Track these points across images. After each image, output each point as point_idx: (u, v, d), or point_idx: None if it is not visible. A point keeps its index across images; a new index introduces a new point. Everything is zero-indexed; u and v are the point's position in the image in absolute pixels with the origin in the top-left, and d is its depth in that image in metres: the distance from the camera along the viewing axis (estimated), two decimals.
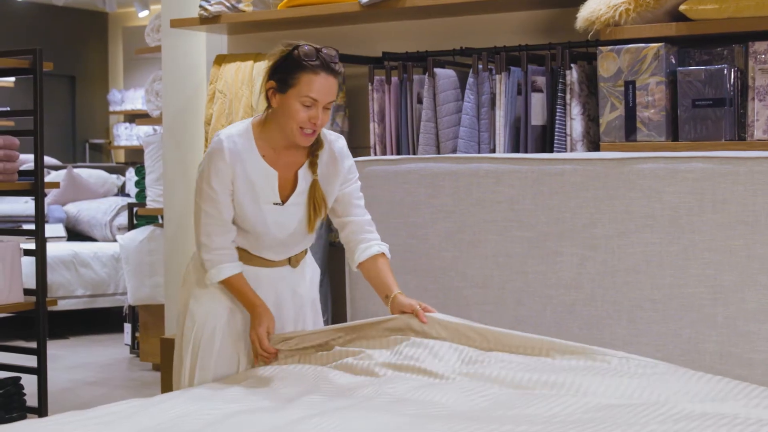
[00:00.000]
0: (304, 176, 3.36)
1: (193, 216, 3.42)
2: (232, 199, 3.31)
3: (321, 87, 3.18)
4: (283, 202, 3.34)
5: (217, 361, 3.37)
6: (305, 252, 3.54)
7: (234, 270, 3.35)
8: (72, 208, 8.80)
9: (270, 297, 3.42)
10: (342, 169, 3.42)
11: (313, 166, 3.36)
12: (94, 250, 8.11)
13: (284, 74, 3.21)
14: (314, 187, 3.36)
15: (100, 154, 13.70)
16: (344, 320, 4.04)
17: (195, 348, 3.38)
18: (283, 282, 3.48)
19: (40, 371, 4.78)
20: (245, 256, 3.41)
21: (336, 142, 3.45)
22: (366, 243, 3.45)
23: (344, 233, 3.49)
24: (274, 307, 3.41)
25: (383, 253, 3.46)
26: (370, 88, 4.49)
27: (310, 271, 3.59)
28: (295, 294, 3.51)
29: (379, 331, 3.33)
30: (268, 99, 3.28)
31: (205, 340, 3.38)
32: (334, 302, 4.87)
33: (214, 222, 3.32)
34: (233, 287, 3.36)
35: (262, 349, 3.31)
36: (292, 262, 3.48)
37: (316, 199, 3.36)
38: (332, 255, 4.86)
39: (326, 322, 4.79)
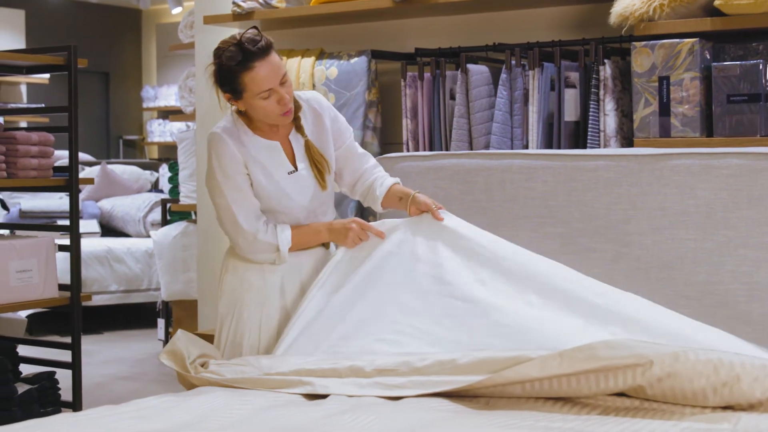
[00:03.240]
0: (296, 140, 3.40)
1: (220, 224, 3.40)
2: (251, 184, 3.33)
3: (266, 75, 3.19)
4: (296, 169, 3.38)
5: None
6: None
7: (288, 227, 3.36)
8: (106, 204, 8.85)
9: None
10: (326, 120, 3.47)
11: (299, 129, 3.41)
12: (128, 246, 8.15)
13: (229, 85, 3.23)
14: (308, 147, 3.40)
15: (133, 150, 13.78)
16: None
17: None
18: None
19: (75, 366, 4.80)
20: None
21: (311, 99, 3.48)
22: (380, 180, 3.54)
23: (357, 185, 3.57)
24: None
25: (397, 182, 3.55)
26: (402, 84, 4.49)
27: None
28: None
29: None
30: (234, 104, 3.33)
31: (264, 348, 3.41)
32: None
33: (246, 205, 3.32)
34: (301, 237, 3.38)
35: (365, 229, 3.39)
36: (326, 244, 3.52)
37: (314, 157, 3.39)
38: None
39: None
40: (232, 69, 3.19)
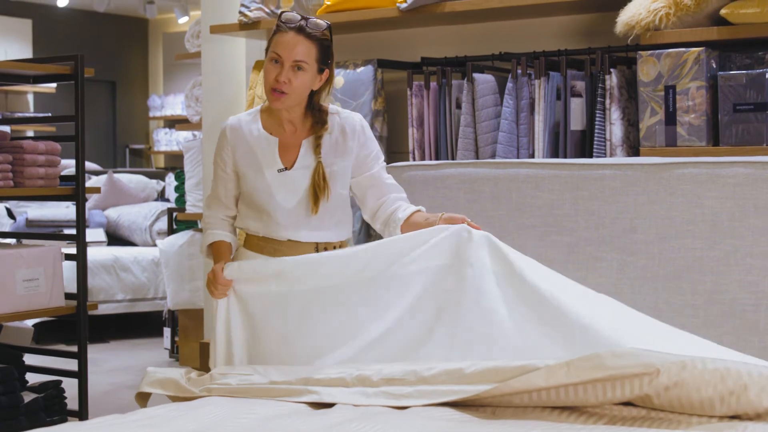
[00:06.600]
0: (307, 148, 3.36)
1: None
2: (236, 172, 3.42)
3: (284, 43, 3.28)
4: (288, 168, 3.35)
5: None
6: (339, 246, 3.44)
7: (220, 237, 3.46)
8: (112, 213, 8.86)
9: None
10: (352, 143, 3.39)
11: (316, 147, 3.36)
12: (134, 255, 8.16)
13: (269, 39, 3.39)
14: (317, 169, 3.34)
15: (140, 159, 13.79)
16: None
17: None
18: None
19: (81, 375, 4.81)
20: (271, 245, 3.39)
21: (349, 118, 3.42)
22: (403, 207, 3.40)
23: (379, 211, 3.44)
24: None
25: (421, 209, 3.41)
26: (408, 93, 4.49)
27: None
28: None
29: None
30: None
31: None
32: None
33: (212, 195, 3.50)
34: (215, 252, 3.47)
35: (216, 282, 3.36)
36: (319, 249, 3.39)
37: (317, 180, 3.33)
38: None
39: None
40: (275, 27, 3.34)
